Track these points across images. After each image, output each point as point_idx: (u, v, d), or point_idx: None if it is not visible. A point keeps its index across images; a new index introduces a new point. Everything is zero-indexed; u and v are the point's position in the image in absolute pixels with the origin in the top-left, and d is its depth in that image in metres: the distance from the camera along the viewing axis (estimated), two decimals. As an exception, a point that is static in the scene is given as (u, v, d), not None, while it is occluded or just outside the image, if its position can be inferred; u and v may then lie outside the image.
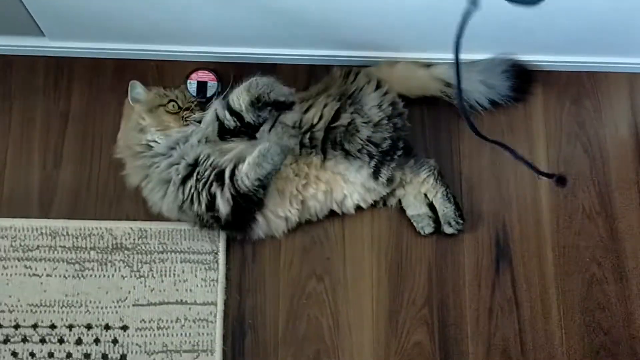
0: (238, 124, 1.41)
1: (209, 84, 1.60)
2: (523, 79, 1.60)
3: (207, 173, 1.36)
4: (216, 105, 1.45)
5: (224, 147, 1.41)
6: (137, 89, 1.47)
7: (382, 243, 1.52)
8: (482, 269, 1.52)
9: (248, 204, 1.37)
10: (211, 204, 1.36)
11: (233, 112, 1.41)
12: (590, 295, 1.51)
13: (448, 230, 1.50)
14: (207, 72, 1.61)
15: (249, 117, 1.39)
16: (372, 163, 1.43)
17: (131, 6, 1.38)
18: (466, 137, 1.59)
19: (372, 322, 1.47)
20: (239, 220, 1.39)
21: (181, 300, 1.46)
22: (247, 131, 1.42)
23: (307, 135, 1.43)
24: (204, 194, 1.36)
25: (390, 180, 1.46)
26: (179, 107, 1.46)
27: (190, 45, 1.59)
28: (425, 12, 1.38)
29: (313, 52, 1.59)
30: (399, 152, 1.46)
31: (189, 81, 1.60)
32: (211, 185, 1.35)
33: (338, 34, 1.50)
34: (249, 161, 1.34)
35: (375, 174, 1.44)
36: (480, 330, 1.48)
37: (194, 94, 1.59)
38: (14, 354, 1.42)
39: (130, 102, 1.47)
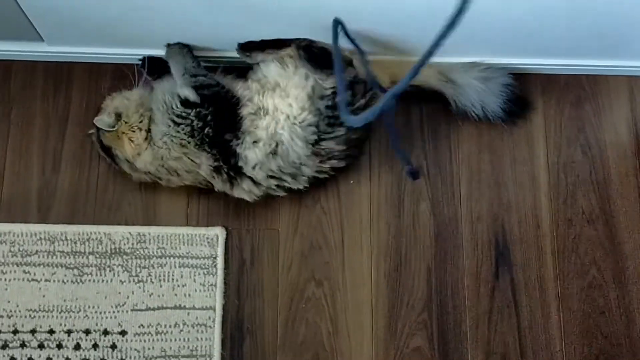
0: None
1: (207, 88, 1.60)
2: (518, 104, 1.58)
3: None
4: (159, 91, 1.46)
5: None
6: (104, 121, 1.43)
7: (381, 248, 1.51)
8: (481, 273, 1.51)
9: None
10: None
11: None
12: (590, 299, 1.51)
13: None
14: (205, 76, 1.61)
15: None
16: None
17: (130, 11, 1.38)
18: (465, 141, 1.59)
19: (371, 327, 1.47)
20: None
21: (180, 305, 1.46)
22: None
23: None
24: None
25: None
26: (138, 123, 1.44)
27: (188, 50, 1.58)
28: (424, 13, 1.38)
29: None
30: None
31: (187, 85, 1.60)
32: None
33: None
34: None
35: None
36: (479, 334, 1.47)
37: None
38: (13, 359, 1.42)
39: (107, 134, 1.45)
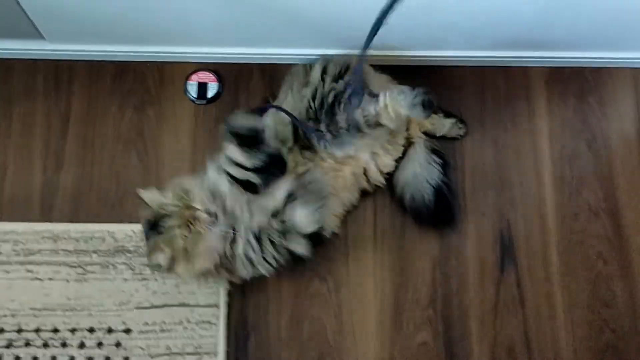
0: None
1: (209, 85, 1.60)
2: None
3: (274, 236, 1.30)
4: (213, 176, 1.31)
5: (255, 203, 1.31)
6: (159, 261, 1.27)
7: (386, 243, 1.51)
8: (486, 267, 1.50)
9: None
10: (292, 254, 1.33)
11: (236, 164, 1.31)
12: (596, 293, 1.50)
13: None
14: (207, 73, 1.61)
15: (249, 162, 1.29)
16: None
17: (130, 8, 1.38)
18: (468, 136, 1.58)
19: (376, 323, 1.46)
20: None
21: (184, 303, 1.46)
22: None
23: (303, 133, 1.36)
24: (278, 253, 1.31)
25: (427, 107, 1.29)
26: (189, 223, 1.26)
27: (190, 46, 1.58)
28: (421, 10, 1.37)
29: (314, 52, 1.59)
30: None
31: (189, 82, 1.60)
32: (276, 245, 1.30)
33: (338, 33, 1.49)
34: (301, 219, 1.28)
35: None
36: (485, 329, 1.47)
37: (195, 96, 1.59)
38: (17, 358, 1.41)
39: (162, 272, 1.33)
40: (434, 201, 1.47)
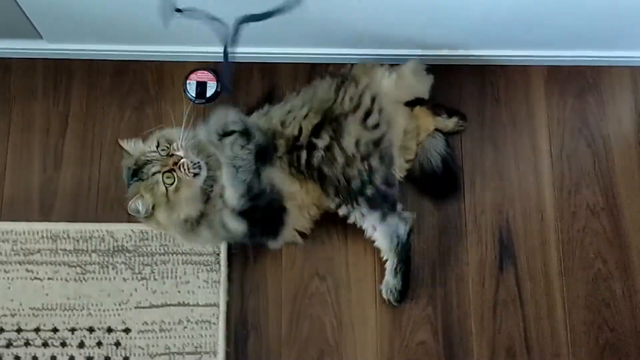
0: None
1: (208, 84, 1.60)
2: None
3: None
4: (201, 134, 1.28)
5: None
6: (136, 205, 1.23)
7: (385, 242, 1.51)
8: (485, 266, 1.51)
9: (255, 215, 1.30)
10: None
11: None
12: (595, 292, 1.50)
13: (382, 293, 1.46)
14: (206, 72, 1.60)
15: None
16: (337, 200, 1.36)
17: (128, 7, 1.37)
18: (468, 134, 1.58)
19: (375, 322, 1.47)
20: (268, 228, 1.35)
21: (183, 302, 1.46)
22: None
23: (295, 155, 1.35)
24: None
25: (346, 218, 1.39)
26: (169, 171, 1.22)
27: (189, 46, 1.58)
28: (426, 9, 1.37)
29: (313, 51, 1.58)
30: (361, 199, 1.34)
31: (188, 81, 1.60)
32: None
33: (338, 32, 1.49)
34: (226, 186, 1.26)
35: (338, 207, 1.38)
36: (484, 328, 1.47)
37: (194, 95, 1.59)
38: (17, 358, 1.41)
39: (145, 216, 1.26)
40: (442, 167, 1.52)
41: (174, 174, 1.22)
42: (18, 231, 1.48)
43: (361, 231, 1.49)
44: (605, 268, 1.51)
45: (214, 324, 1.45)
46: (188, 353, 1.43)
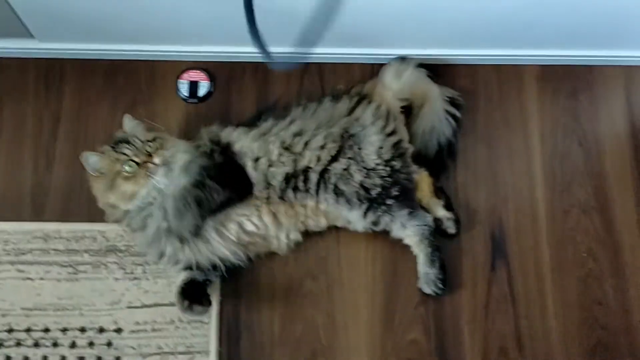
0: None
1: (200, 84, 1.60)
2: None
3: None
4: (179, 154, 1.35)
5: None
6: (91, 159, 1.32)
7: (377, 241, 1.50)
8: (477, 265, 1.51)
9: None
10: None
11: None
12: (587, 290, 1.50)
13: (425, 289, 1.45)
14: (198, 71, 1.60)
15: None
16: (363, 206, 1.40)
17: (120, 6, 1.37)
18: (462, 132, 1.58)
19: (368, 321, 1.46)
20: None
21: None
22: None
23: (301, 178, 1.39)
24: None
25: (375, 224, 1.42)
26: (137, 163, 1.30)
27: (181, 45, 1.58)
28: (416, 8, 1.37)
29: (307, 50, 1.58)
30: (390, 200, 1.40)
31: (180, 81, 1.60)
32: None
33: (333, 31, 1.49)
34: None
35: (365, 216, 1.41)
36: (476, 326, 1.47)
37: (186, 94, 1.58)
38: (8, 358, 1.41)
39: (92, 174, 1.34)
40: (436, 151, 1.55)
41: (138, 167, 1.30)
42: (9, 231, 1.48)
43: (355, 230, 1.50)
44: (596, 267, 1.51)
45: (206, 323, 1.44)
46: (180, 353, 1.43)
